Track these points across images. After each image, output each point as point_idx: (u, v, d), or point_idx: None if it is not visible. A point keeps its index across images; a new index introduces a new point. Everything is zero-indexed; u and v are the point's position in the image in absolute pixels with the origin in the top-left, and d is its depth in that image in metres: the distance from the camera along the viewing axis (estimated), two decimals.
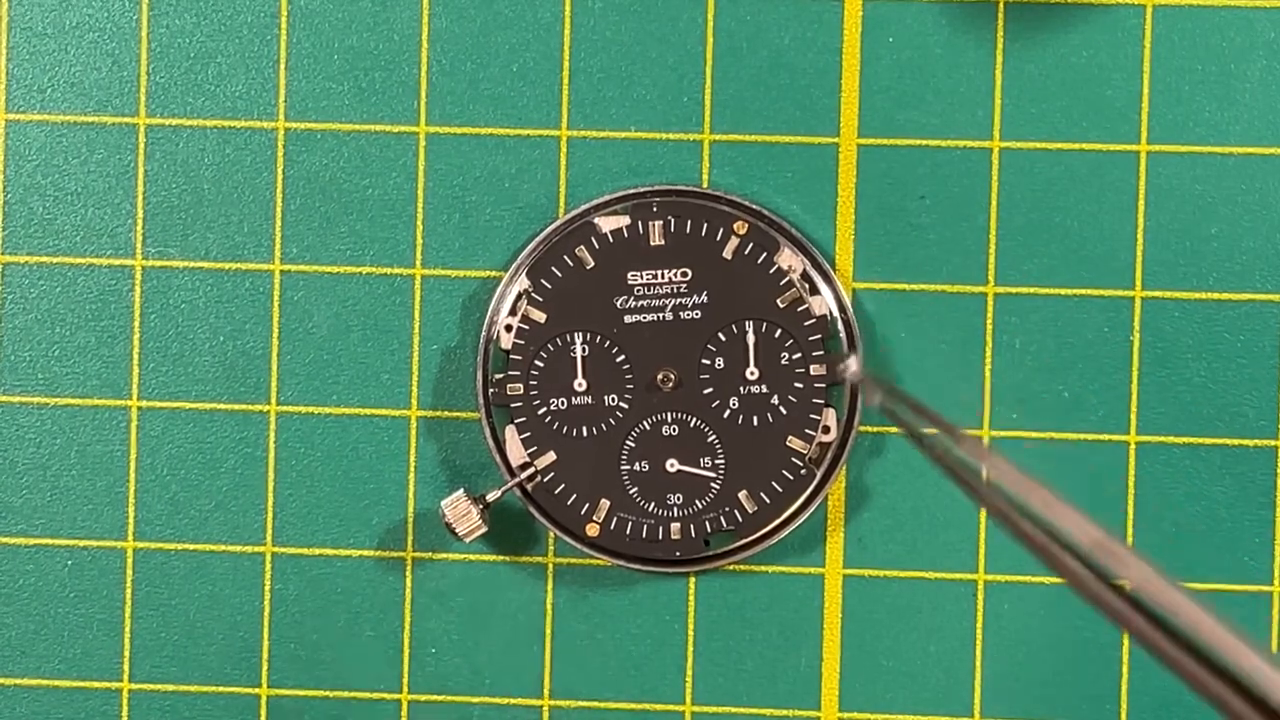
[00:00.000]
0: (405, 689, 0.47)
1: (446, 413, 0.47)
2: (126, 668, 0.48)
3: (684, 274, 0.46)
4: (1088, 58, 0.46)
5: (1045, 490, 0.34)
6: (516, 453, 0.46)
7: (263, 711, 0.48)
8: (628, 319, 0.46)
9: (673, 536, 0.46)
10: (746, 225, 0.46)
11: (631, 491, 0.46)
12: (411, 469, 0.47)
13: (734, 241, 0.46)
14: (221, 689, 0.48)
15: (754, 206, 0.46)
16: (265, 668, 0.48)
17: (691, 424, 0.46)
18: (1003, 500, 0.35)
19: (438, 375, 0.47)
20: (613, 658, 0.47)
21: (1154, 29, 0.46)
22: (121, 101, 0.48)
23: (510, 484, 0.46)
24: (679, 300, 0.46)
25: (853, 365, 0.46)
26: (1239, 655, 0.30)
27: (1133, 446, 0.46)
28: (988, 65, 0.47)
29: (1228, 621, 0.31)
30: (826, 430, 0.46)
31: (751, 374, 0.46)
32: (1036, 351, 0.46)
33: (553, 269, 0.46)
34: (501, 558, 0.47)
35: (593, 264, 0.46)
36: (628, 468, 0.46)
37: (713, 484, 0.46)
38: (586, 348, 0.46)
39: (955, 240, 0.46)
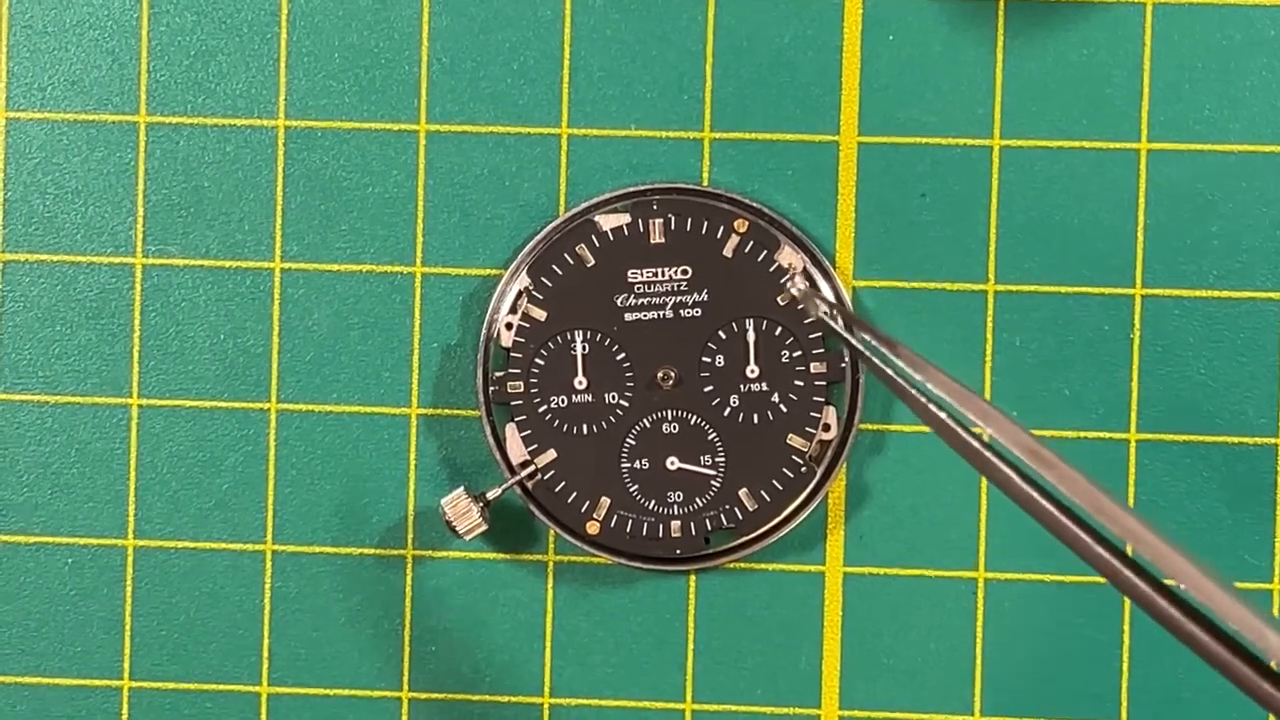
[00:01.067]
0: (405, 687, 0.47)
1: (447, 411, 0.47)
2: (127, 666, 0.48)
3: (684, 272, 0.46)
4: (1088, 56, 0.46)
5: (980, 401, 0.35)
6: (517, 451, 0.46)
7: (262, 710, 0.48)
8: (628, 317, 0.46)
9: (673, 534, 0.46)
10: (747, 223, 0.46)
11: (632, 489, 0.46)
12: (411, 467, 0.47)
13: (734, 239, 0.46)
14: (221, 687, 0.48)
15: (754, 204, 0.46)
16: (265, 666, 0.48)
17: (692, 422, 0.46)
18: (941, 410, 0.36)
19: (438, 373, 0.47)
20: (613, 656, 0.47)
21: (1154, 27, 0.46)
22: (122, 99, 0.48)
23: (510, 482, 0.46)
24: (679, 298, 0.46)
25: (799, 282, 0.46)
26: (1151, 547, 0.33)
27: (1133, 445, 0.46)
28: (988, 63, 0.47)
29: (1138, 517, 0.33)
30: (827, 428, 0.46)
31: (752, 372, 0.46)
32: (1037, 349, 0.46)
33: (553, 267, 0.46)
34: (502, 556, 0.47)
35: (593, 262, 0.46)
36: (628, 466, 0.46)
37: (713, 482, 0.46)
38: (587, 346, 0.46)
39: (955, 238, 0.47)
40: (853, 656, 0.47)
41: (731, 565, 0.47)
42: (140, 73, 0.48)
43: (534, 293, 0.46)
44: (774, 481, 0.46)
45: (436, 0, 0.47)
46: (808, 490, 0.46)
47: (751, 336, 0.46)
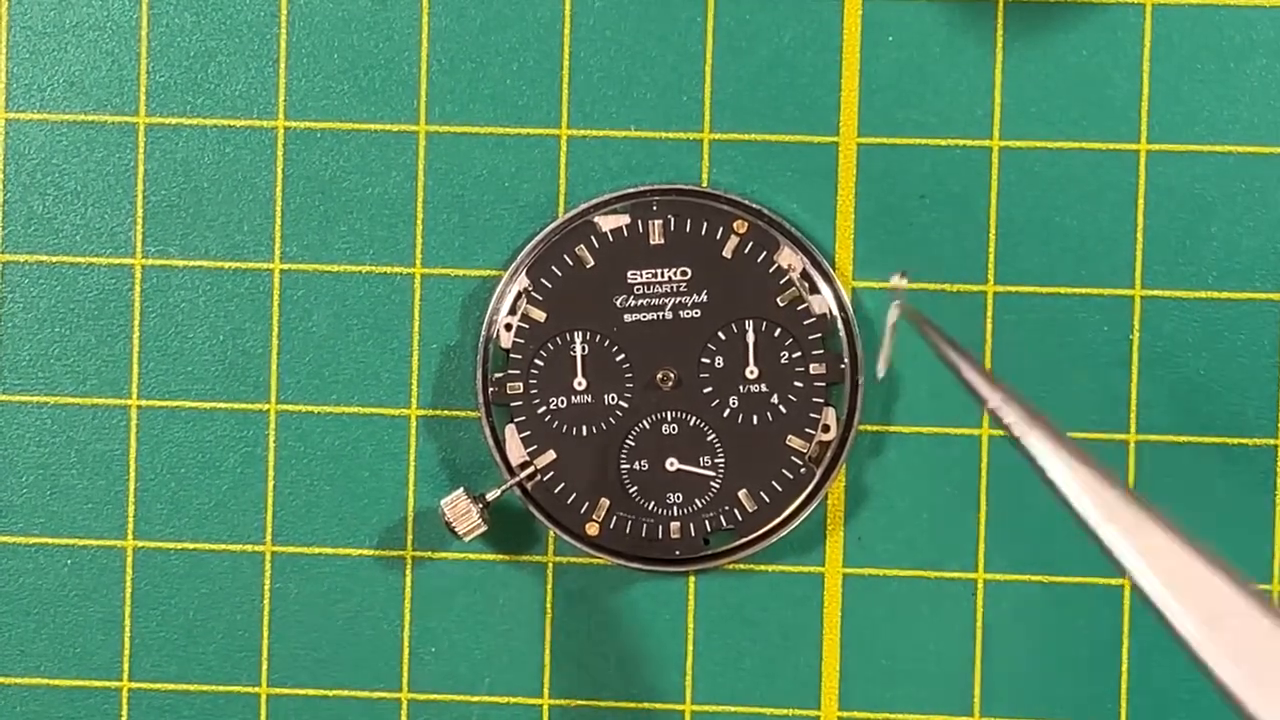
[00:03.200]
0: (405, 688, 0.47)
1: (446, 412, 0.47)
2: (126, 667, 0.48)
3: (684, 273, 0.46)
4: (1087, 57, 0.46)
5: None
6: (516, 452, 0.46)
7: (262, 711, 0.48)
8: (627, 318, 0.46)
9: (672, 536, 0.46)
10: (746, 224, 0.46)
11: (631, 491, 0.46)
12: (411, 468, 0.47)
13: (734, 240, 0.46)
14: (221, 688, 0.48)
15: (754, 205, 0.46)
16: (265, 667, 0.48)
17: (691, 423, 0.46)
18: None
19: (437, 374, 0.47)
20: (612, 657, 0.47)
21: (1154, 28, 0.46)
22: (121, 100, 0.48)
23: (510, 483, 0.46)
24: (679, 299, 0.46)
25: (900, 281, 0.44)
26: None
27: (1132, 446, 0.46)
28: (987, 64, 0.47)
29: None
30: (826, 429, 0.46)
31: (751, 373, 0.46)
32: (1036, 350, 0.46)
33: (552, 268, 0.46)
34: (501, 557, 0.47)
35: (592, 263, 0.46)
36: (627, 467, 0.46)
37: (712, 483, 0.46)
38: (586, 347, 0.46)
39: (955, 239, 0.47)
40: (852, 657, 0.47)
41: (731, 566, 0.47)
42: (140, 74, 0.48)
43: (533, 294, 0.46)
44: (773, 482, 0.46)
45: (436, 1, 0.47)
46: (807, 491, 0.46)
47: (751, 337, 0.46)
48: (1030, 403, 0.37)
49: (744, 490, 0.46)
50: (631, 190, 0.47)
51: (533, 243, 0.47)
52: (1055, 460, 0.36)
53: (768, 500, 0.46)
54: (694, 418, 0.46)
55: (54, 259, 0.48)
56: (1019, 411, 0.36)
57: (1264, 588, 0.46)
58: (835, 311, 0.46)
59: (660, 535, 0.46)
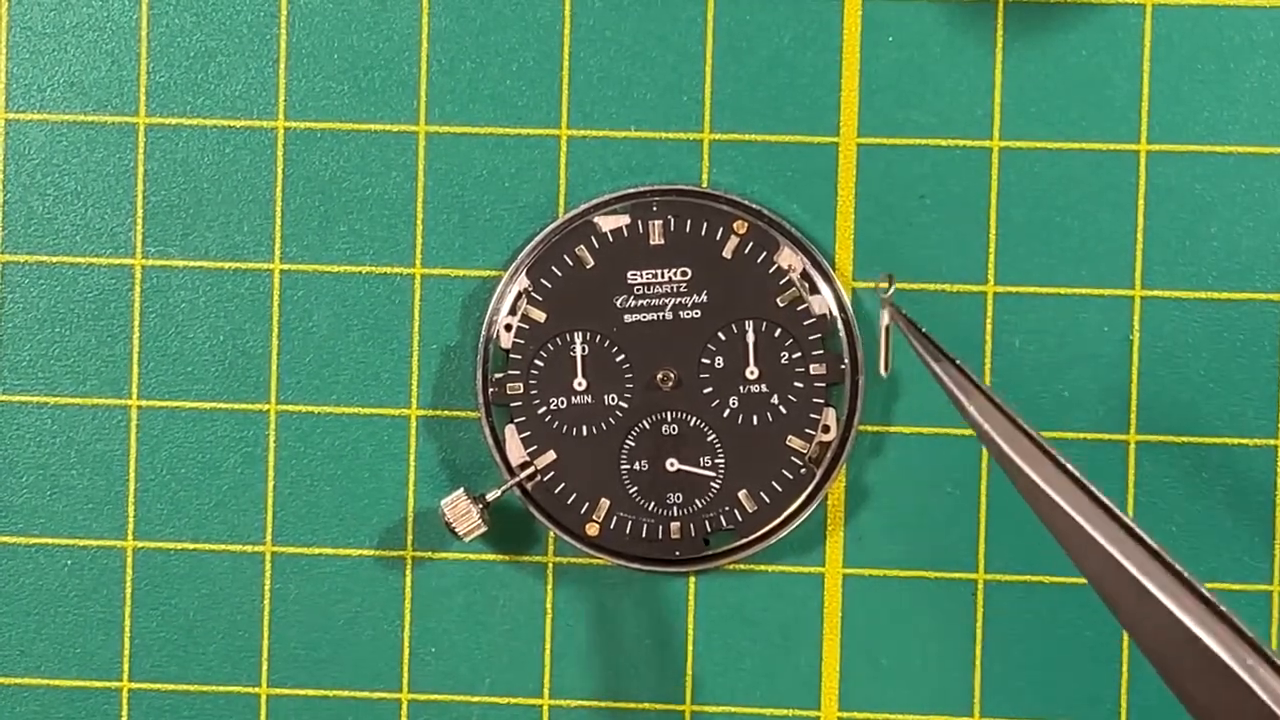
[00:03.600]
0: (405, 688, 0.47)
1: (446, 412, 0.47)
2: (126, 667, 0.48)
3: (684, 273, 0.46)
4: (1087, 57, 0.46)
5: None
6: (516, 452, 0.46)
7: (262, 711, 0.48)
8: (627, 318, 0.46)
9: (672, 536, 0.46)
10: (746, 224, 0.46)
11: (631, 491, 0.46)
12: (411, 468, 0.47)
13: (734, 241, 0.46)
14: (221, 688, 0.48)
15: (754, 206, 0.46)
16: (265, 667, 0.48)
17: (691, 423, 0.46)
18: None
19: (437, 375, 0.47)
20: (612, 657, 0.47)
21: (1154, 28, 0.46)
22: (121, 101, 0.48)
23: (510, 483, 0.46)
24: (679, 300, 0.46)
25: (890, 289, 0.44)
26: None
27: (1132, 446, 0.46)
28: (987, 65, 0.47)
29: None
30: (826, 429, 0.46)
31: (751, 373, 0.46)
32: (1036, 351, 0.46)
33: (553, 268, 0.46)
34: (501, 557, 0.47)
35: (592, 263, 0.46)
36: (627, 467, 0.46)
37: (712, 483, 0.46)
38: (586, 347, 0.46)
39: (955, 239, 0.46)
40: (852, 658, 0.47)
41: (731, 566, 0.47)
42: (140, 74, 0.48)
43: (533, 294, 0.46)
44: (773, 483, 0.46)
45: (436, 1, 0.47)
46: (807, 492, 0.46)
47: (751, 338, 0.46)
48: (1012, 410, 0.37)
49: (744, 490, 0.46)
50: (631, 191, 0.47)
51: (533, 243, 0.47)
52: (1032, 470, 0.36)
53: (768, 500, 0.46)
54: (694, 418, 0.46)
55: (54, 259, 0.48)
56: (998, 420, 0.37)
57: (1265, 589, 0.46)
58: (835, 312, 0.46)
59: (660, 535, 0.46)
